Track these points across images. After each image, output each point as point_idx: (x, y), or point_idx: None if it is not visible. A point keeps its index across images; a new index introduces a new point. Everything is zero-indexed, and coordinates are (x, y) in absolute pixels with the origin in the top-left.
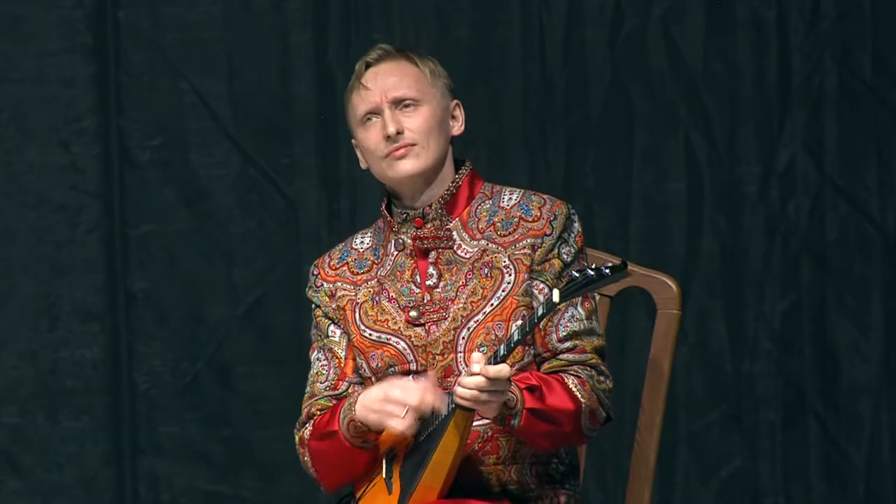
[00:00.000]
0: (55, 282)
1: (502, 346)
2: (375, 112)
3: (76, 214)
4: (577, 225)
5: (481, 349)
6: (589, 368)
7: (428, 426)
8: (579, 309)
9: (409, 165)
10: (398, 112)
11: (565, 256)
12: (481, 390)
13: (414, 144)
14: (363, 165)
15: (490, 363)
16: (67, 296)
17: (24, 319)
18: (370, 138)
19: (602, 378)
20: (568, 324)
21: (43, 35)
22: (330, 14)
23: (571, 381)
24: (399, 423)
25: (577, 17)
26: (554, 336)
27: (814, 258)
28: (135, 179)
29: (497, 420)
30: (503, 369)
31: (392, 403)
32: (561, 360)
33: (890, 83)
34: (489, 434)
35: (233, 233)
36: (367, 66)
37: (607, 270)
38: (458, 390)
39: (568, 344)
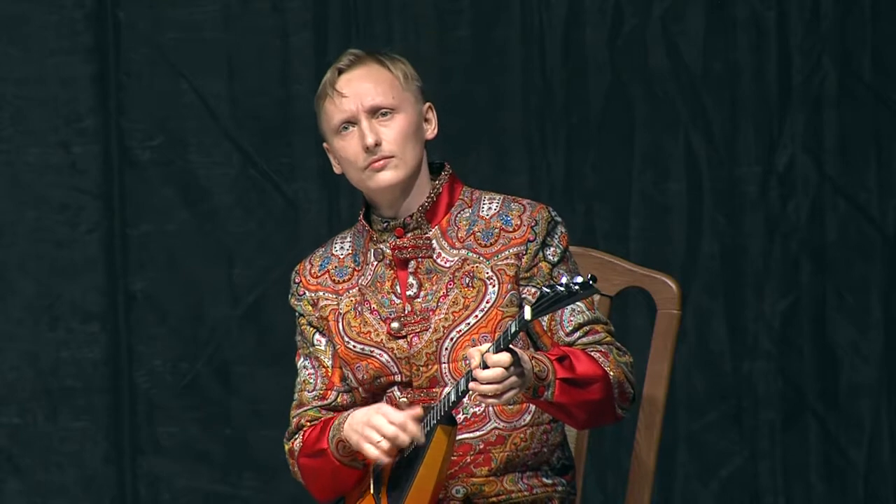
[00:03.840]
0: (55, 282)
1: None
2: (351, 121)
3: (76, 214)
4: (560, 227)
5: (468, 362)
6: (606, 346)
7: (402, 453)
8: (579, 303)
9: (388, 177)
10: (374, 121)
11: (551, 257)
12: (499, 381)
13: (392, 156)
14: (337, 170)
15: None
16: (67, 296)
17: (24, 319)
18: (348, 148)
19: (621, 353)
20: (571, 318)
21: (43, 35)
22: (330, 14)
23: (594, 354)
24: (373, 450)
25: (577, 17)
26: (561, 332)
27: (814, 258)
28: (135, 179)
29: (530, 393)
30: (503, 357)
31: (372, 430)
32: (576, 346)
33: (890, 83)
34: (481, 446)
35: (233, 233)
36: (340, 71)
37: (577, 287)
38: (479, 387)
39: (578, 333)
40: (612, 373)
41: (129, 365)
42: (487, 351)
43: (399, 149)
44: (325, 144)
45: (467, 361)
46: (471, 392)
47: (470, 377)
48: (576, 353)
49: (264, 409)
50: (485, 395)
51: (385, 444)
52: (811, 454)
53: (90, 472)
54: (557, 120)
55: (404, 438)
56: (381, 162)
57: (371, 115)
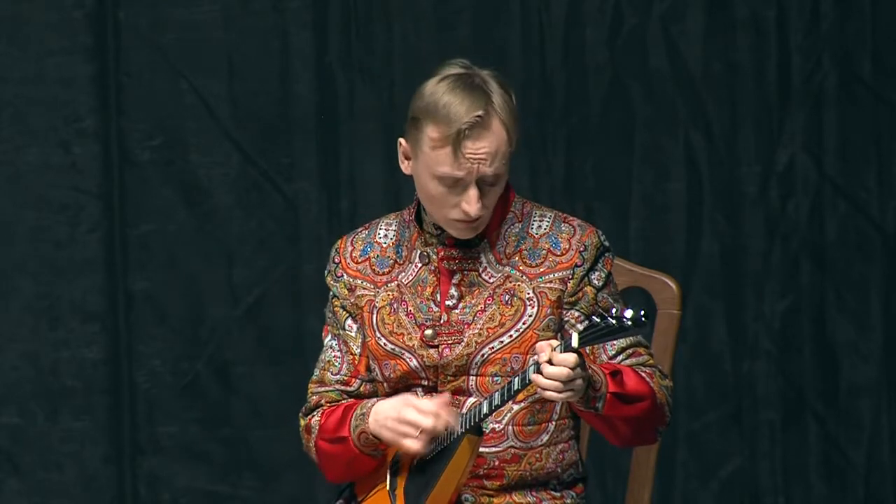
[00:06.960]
0: (55, 282)
1: (516, 380)
2: (461, 181)
3: (76, 214)
4: (607, 253)
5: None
6: (650, 368)
7: (436, 443)
8: None
9: (469, 234)
10: (480, 189)
11: (596, 282)
12: (563, 381)
13: (480, 218)
14: (405, 170)
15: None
16: (67, 296)
17: (24, 319)
18: (446, 197)
19: (663, 376)
20: (615, 341)
21: (43, 35)
22: (330, 14)
23: (642, 373)
24: (414, 444)
25: (577, 17)
26: (603, 354)
27: (814, 258)
28: (135, 179)
29: (583, 402)
30: (570, 357)
31: (407, 425)
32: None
33: (890, 83)
34: (496, 463)
35: (233, 233)
36: (472, 126)
37: (629, 322)
38: (542, 381)
39: (622, 356)
40: (656, 391)
41: (129, 365)
42: (556, 349)
43: (489, 212)
44: (404, 141)
45: (535, 355)
46: (530, 385)
47: (526, 378)
48: (626, 371)
49: (264, 409)
50: (545, 390)
51: (424, 437)
52: (811, 454)
53: (90, 471)
54: (557, 120)
55: (441, 427)
56: (470, 224)
57: (480, 181)
